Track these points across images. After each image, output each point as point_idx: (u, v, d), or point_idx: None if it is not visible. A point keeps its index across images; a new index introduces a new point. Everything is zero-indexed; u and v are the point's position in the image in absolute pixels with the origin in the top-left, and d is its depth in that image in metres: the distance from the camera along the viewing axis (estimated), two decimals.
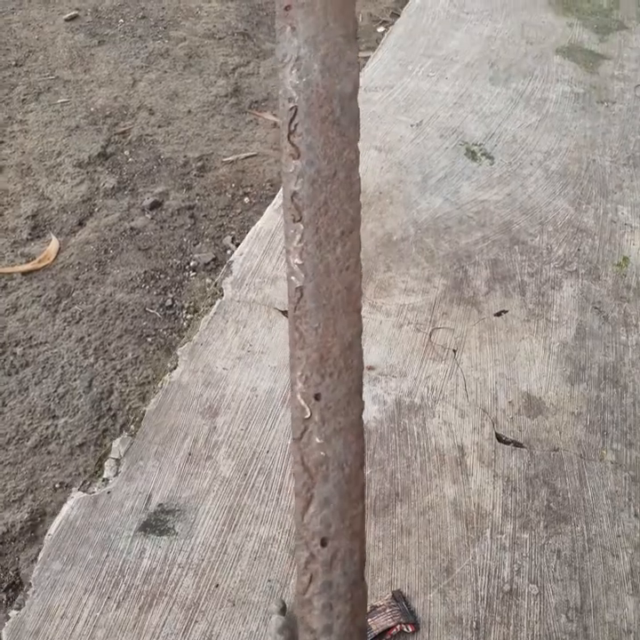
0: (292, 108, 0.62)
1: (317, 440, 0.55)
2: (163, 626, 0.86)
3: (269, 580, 0.90)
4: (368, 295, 1.24)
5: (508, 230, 1.44)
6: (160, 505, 0.92)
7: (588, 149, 1.74)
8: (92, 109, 2.09)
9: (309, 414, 0.55)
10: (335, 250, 0.59)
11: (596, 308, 1.30)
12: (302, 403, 0.56)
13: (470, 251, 1.37)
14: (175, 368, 1.11)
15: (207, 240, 1.77)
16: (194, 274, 1.67)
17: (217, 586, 0.89)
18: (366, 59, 2.54)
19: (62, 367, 1.41)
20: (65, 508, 0.93)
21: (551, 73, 2.07)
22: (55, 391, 1.37)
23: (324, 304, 0.58)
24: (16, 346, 1.44)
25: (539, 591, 0.92)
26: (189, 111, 2.14)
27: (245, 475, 0.95)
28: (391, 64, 1.97)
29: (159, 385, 1.11)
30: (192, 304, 1.58)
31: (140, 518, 0.90)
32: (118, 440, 1.03)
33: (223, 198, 1.89)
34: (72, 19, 2.50)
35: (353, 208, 0.62)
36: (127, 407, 1.35)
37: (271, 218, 1.43)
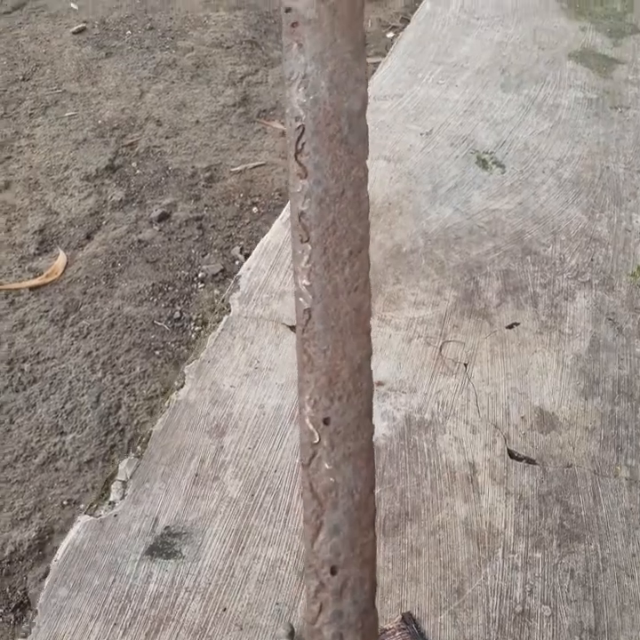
0: (299, 127, 0.61)
1: (326, 466, 0.54)
2: None
3: (277, 604, 0.88)
4: (377, 309, 1.22)
5: (520, 240, 1.42)
6: (167, 528, 0.90)
7: (601, 156, 1.71)
8: (99, 122, 2.10)
9: (318, 439, 0.54)
10: (343, 270, 0.58)
11: (609, 319, 1.27)
12: (311, 427, 0.55)
13: (481, 261, 1.35)
14: (182, 386, 1.10)
15: (215, 251, 1.77)
16: (202, 285, 1.66)
17: (224, 610, 0.87)
18: (376, 64, 2.53)
19: (70, 382, 1.40)
20: (71, 533, 0.92)
21: (564, 78, 2.04)
22: (63, 407, 1.36)
23: (333, 326, 0.57)
24: (24, 362, 1.44)
25: (552, 612, 0.90)
26: (197, 121, 2.14)
27: (253, 495, 0.93)
28: (400, 72, 1.95)
29: (166, 404, 1.10)
30: (200, 316, 1.58)
31: (147, 541, 0.88)
32: (125, 462, 1.02)
33: (231, 208, 1.88)
34: (79, 31, 2.51)
35: (361, 227, 0.61)
36: (135, 422, 1.35)
37: (279, 231, 1.42)
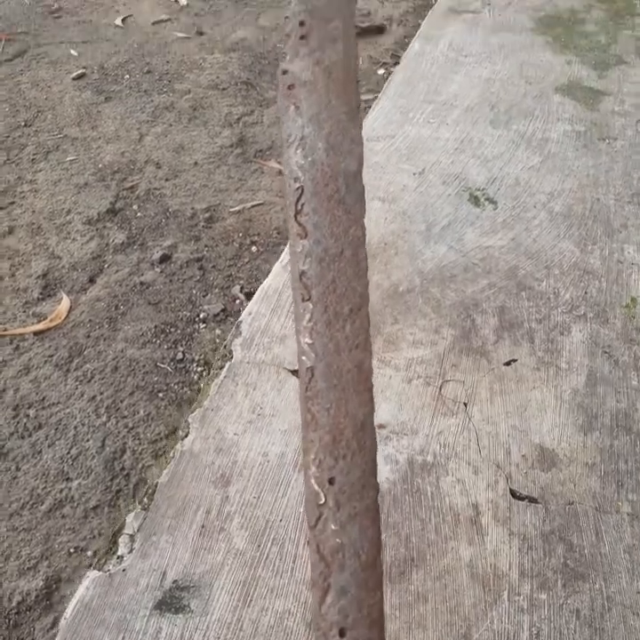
0: (298, 188, 0.63)
1: (333, 527, 0.54)
2: None
3: None
4: (376, 349, 1.24)
5: (514, 276, 1.44)
6: (175, 581, 0.91)
7: (591, 188, 1.74)
8: (100, 166, 2.14)
9: (324, 500, 0.55)
10: (344, 328, 0.60)
11: (605, 352, 1.29)
12: (316, 488, 0.56)
13: (477, 299, 1.38)
14: (187, 436, 1.11)
15: (216, 291, 1.79)
16: (203, 325, 1.69)
17: None
18: (367, 101, 2.59)
19: (75, 427, 1.42)
20: (80, 589, 0.93)
21: (551, 112, 2.09)
22: (68, 453, 1.38)
23: (335, 384, 0.58)
24: (29, 408, 1.45)
25: None
26: (196, 163, 2.19)
27: (259, 546, 0.94)
28: (392, 112, 2.00)
29: (171, 454, 1.11)
30: (202, 356, 1.60)
31: (156, 596, 0.89)
32: (132, 515, 1.03)
33: (231, 248, 1.91)
34: (79, 77, 2.58)
35: (361, 285, 0.63)
36: (140, 465, 1.36)
37: (278, 275, 1.45)
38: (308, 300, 0.60)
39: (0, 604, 1.13)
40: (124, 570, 0.92)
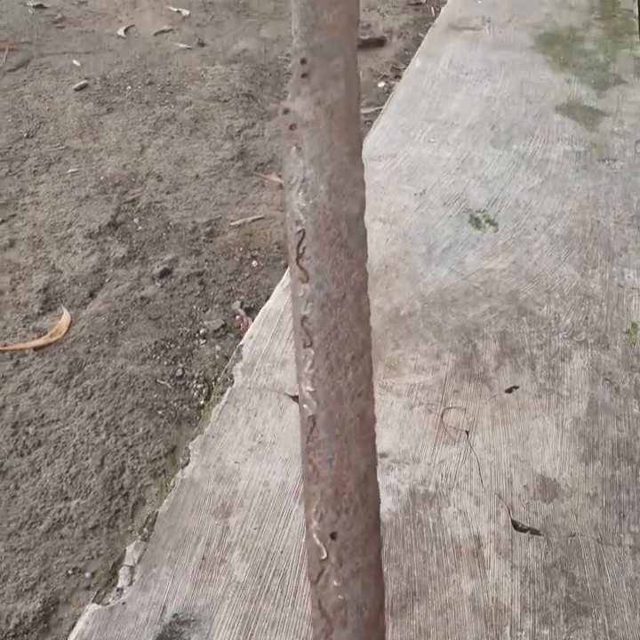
0: (299, 231, 0.63)
1: (335, 583, 0.54)
2: None
3: None
4: (378, 375, 1.24)
5: (515, 300, 1.45)
6: (175, 615, 0.91)
7: (591, 211, 1.75)
8: (101, 178, 2.14)
9: (326, 555, 0.54)
10: (347, 375, 0.59)
11: (606, 379, 1.30)
12: (318, 543, 0.55)
13: (478, 323, 1.38)
14: (187, 463, 1.11)
15: (216, 306, 1.79)
16: (203, 341, 1.69)
17: None
18: (367, 115, 2.60)
19: (74, 445, 1.41)
20: (80, 623, 0.92)
21: (552, 131, 2.10)
22: (67, 471, 1.37)
23: (337, 434, 0.57)
24: (28, 425, 1.45)
25: None
26: (197, 176, 2.19)
27: (260, 577, 0.94)
28: (393, 131, 2.00)
29: (171, 483, 1.11)
30: (202, 373, 1.60)
31: (156, 630, 0.88)
32: (132, 546, 1.03)
33: (231, 263, 1.91)
34: (82, 88, 2.58)
35: (363, 331, 0.62)
36: (139, 485, 1.35)
37: (280, 297, 1.45)
38: (310, 345, 0.59)
39: None
40: (123, 603, 0.92)
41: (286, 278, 1.47)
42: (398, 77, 2.84)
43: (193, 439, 1.17)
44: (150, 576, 0.95)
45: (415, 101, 2.18)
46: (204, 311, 1.78)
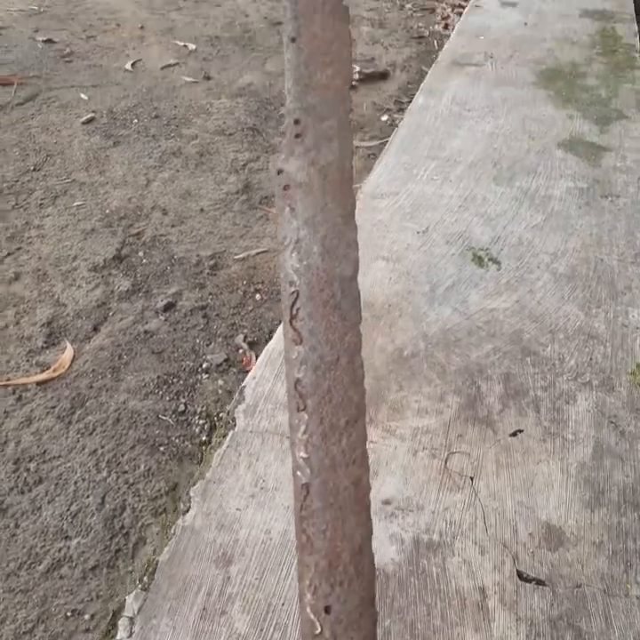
0: (293, 292, 0.63)
1: None
2: None
3: None
4: (381, 418, 1.24)
5: (519, 340, 1.45)
6: None
7: (594, 248, 1.76)
8: (107, 211, 2.16)
9: (320, 630, 0.53)
10: (341, 441, 0.58)
11: (611, 422, 1.29)
12: (312, 616, 0.54)
13: (482, 364, 1.38)
14: (188, 510, 1.10)
15: (219, 340, 1.79)
16: (206, 376, 1.68)
17: None
18: (370, 148, 2.63)
19: (75, 483, 1.40)
20: None
21: (554, 168, 2.12)
22: (68, 509, 1.36)
23: (331, 503, 0.56)
24: (30, 461, 1.44)
25: None
26: (202, 209, 2.21)
27: (261, 630, 0.92)
28: (396, 169, 2.02)
29: (172, 530, 1.10)
30: (204, 408, 1.59)
31: None
32: (131, 596, 1.01)
33: (235, 296, 1.92)
34: (89, 121, 2.61)
35: (357, 394, 0.61)
36: (139, 524, 1.34)
37: (282, 338, 1.45)
38: (304, 410, 0.58)
39: None
40: None
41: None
42: (401, 111, 2.88)
43: (194, 484, 1.16)
44: (150, 627, 0.93)
45: (418, 139, 2.20)
46: (208, 345, 1.78)
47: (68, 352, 1.70)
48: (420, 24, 3.90)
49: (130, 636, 0.92)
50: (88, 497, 1.38)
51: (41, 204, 2.17)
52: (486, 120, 2.36)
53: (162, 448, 1.49)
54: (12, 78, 2.86)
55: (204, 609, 0.94)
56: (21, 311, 1.80)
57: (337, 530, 0.55)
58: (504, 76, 2.73)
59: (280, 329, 1.48)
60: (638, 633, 0.98)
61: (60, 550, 1.30)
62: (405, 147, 2.14)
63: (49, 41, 3.33)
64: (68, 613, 1.21)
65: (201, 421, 1.56)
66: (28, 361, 1.67)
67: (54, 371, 1.66)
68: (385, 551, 1.01)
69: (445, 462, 1.16)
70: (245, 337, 1.81)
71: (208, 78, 3.06)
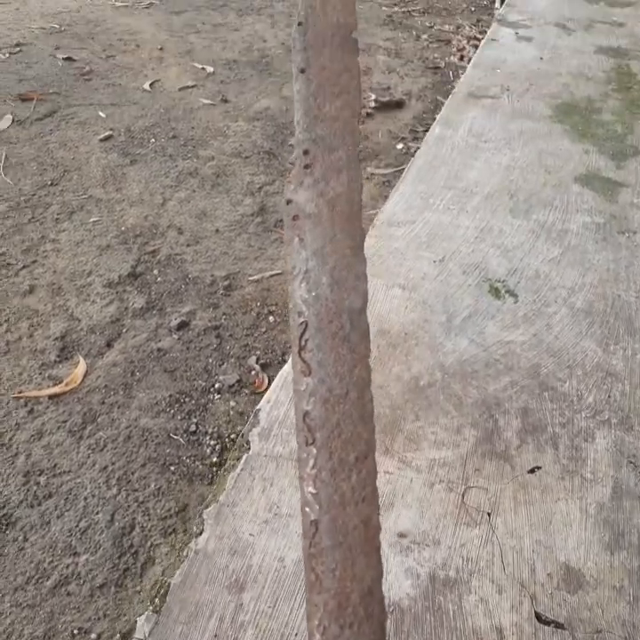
0: (302, 323, 0.62)
1: None
2: None
3: None
4: (397, 448, 1.22)
5: (537, 374, 1.43)
6: None
7: (611, 284, 1.75)
8: (122, 228, 2.16)
9: None
10: (350, 478, 0.56)
11: (630, 462, 1.27)
12: None
13: (499, 397, 1.36)
14: (201, 533, 1.08)
15: (232, 360, 1.78)
16: (218, 396, 1.67)
17: None
18: (385, 176, 2.64)
19: (85, 499, 1.39)
20: None
21: (571, 202, 2.12)
22: (77, 525, 1.34)
23: (341, 542, 0.54)
24: (40, 475, 1.43)
25: None
26: (217, 230, 2.21)
27: None
28: (413, 198, 2.03)
29: (185, 553, 1.08)
30: (216, 429, 1.57)
31: None
32: (143, 617, 0.99)
33: (248, 317, 1.91)
34: (106, 139, 2.64)
35: (366, 430, 0.60)
36: (148, 543, 1.32)
37: None
38: (312, 443, 0.57)
39: None
40: None
41: None
42: (416, 139, 2.90)
43: (207, 506, 1.15)
44: None
45: (435, 168, 2.21)
46: (220, 365, 1.78)
47: (81, 366, 1.70)
48: (436, 55, 3.96)
49: None
50: (97, 513, 1.36)
51: (57, 219, 2.18)
52: (503, 152, 2.37)
53: (172, 467, 1.48)
54: (32, 94, 2.90)
55: (215, 636, 0.91)
56: (35, 324, 1.80)
57: (346, 570, 0.54)
58: (520, 110, 2.75)
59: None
60: None
61: (68, 566, 1.28)
62: (422, 176, 2.15)
63: (69, 59, 3.37)
64: (75, 631, 1.19)
65: (212, 442, 1.55)
66: (40, 374, 1.67)
67: (66, 385, 1.65)
68: (399, 585, 0.99)
69: (462, 496, 1.14)
70: (258, 359, 1.80)
71: (225, 101, 3.09)
